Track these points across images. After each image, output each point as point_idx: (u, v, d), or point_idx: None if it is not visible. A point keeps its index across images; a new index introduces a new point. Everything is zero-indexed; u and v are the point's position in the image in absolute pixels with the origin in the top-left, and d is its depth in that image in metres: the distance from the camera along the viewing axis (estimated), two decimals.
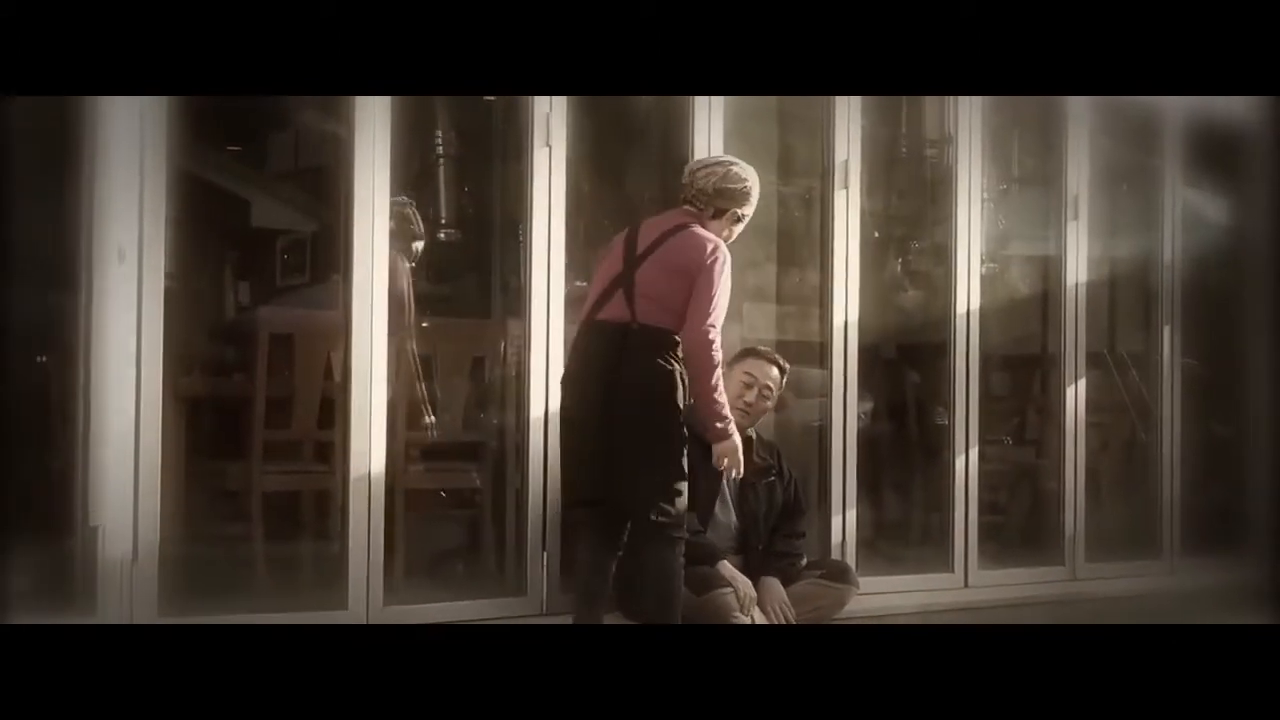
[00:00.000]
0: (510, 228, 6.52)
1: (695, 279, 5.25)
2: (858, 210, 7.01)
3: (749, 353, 6.30)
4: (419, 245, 6.50)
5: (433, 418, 6.42)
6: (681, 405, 5.29)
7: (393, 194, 5.80)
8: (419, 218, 6.44)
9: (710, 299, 5.24)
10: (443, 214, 7.12)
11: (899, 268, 8.18)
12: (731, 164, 5.57)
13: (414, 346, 6.32)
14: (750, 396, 6.14)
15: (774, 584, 6.03)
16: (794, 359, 7.30)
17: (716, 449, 5.39)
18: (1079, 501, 7.77)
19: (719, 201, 5.48)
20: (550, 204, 6.14)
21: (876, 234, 7.70)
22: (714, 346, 5.25)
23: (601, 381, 5.33)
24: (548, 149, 6.12)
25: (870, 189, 7.30)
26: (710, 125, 6.45)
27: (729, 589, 5.78)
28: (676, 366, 5.29)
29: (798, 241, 7.51)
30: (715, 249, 5.32)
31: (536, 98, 6.05)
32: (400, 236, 6.30)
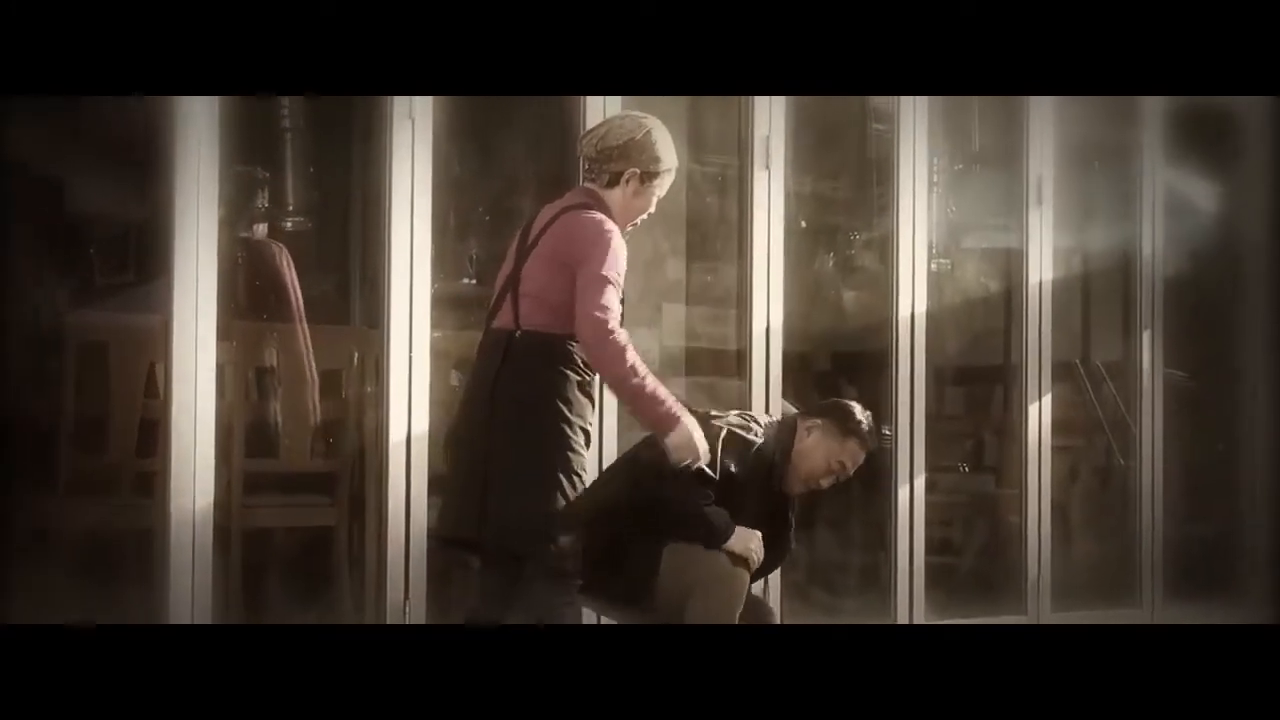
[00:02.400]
0: (372, 216, 6.48)
1: (578, 269, 5.17)
2: (782, 194, 7.02)
3: (844, 429, 5.87)
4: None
5: None
6: (571, 420, 5.24)
7: (222, 173, 5.76)
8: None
9: (597, 282, 5.12)
10: (289, 199, 7.05)
11: (832, 263, 8.19)
12: (617, 119, 5.46)
13: (310, 355, 6.37)
14: (826, 482, 5.94)
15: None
16: (708, 370, 7.30)
17: (668, 442, 5.24)
18: (1044, 538, 7.80)
19: (610, 165, 5.35)
20: (413, 187, 6.11)
21: (804, 223, 7.66)
22: (609, 331, 5.11)
23: (482, 399, 5.28)
24: (410, 121, 6.09)
25: (798, 168, 7.31)
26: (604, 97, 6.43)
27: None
28: (571, 376, 5.23)
29: (710, 231, 7.48)
30: (598, 229, 5.21)
31: None
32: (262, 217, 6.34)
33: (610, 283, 5.15)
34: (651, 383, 5.22)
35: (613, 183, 5.36)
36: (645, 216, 5.49)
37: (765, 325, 6.95)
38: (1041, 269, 7.89)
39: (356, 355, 6.49)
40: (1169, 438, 8.35)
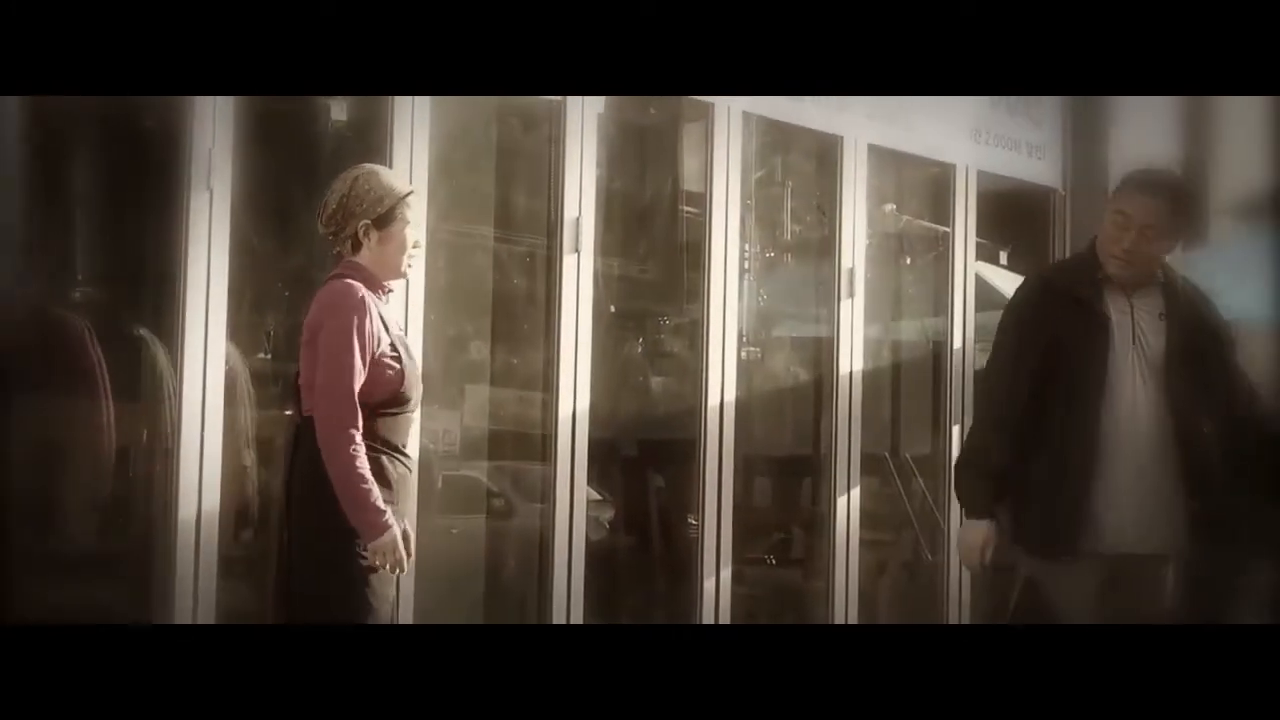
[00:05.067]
0: (167, 287, 6.46)
1: (318, 342, 5.20)
2: (590, 277, 7.11)
3: (1120, 186, 5.84)
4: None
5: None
6: None
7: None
8: None
9: (331, 360, 5.15)
10: (78, 269, 7.01)
11: (641, 348, 8.29)
12: (329, 187, 5.44)
13: (112, 431, 6.27)
14: (1127, 242, 5.71)
15: None
16: (512, 453, 7.33)
17: (370, 545, 5.17)
18: None
19: (344, 230, 5.36)
20: (210, 261, 6.13)
21: (613, 307, 7.81)
22: (339, 423, 5.13)
23: (281, 494, 5.36)
24: (209, 192, 6.12)
25: (608, 251, 7.40)
26: (412, 167, 6.49)
27: None
28: None
29: (517, 312, 7.56)
30: (329, 297, 5.25)
31: (195, 134, 6.10)
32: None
33: (345, 354, 5.15)
34: (369, 487, 5.17)
35: (355, 245, 5.35)
36: (414, 250, 5.46)
37: (572, 409, 7.00)
38: (852, 359, 8.03)
39: (146, 432, 6.46)
40: None
